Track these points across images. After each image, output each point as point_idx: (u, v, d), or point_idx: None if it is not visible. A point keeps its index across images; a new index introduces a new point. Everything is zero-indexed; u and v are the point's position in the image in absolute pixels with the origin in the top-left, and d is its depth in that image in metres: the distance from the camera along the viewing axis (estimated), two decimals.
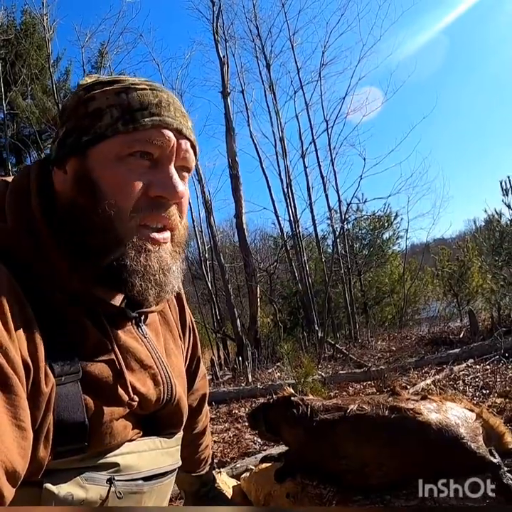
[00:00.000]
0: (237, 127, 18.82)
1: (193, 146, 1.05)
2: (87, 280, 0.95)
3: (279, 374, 9.87)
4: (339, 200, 17.83)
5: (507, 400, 4.70)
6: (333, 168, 17.99)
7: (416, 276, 19.19)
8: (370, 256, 19.57)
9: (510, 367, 6.82)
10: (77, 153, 0.98)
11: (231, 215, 17.41)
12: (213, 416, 6.69)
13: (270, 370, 10.53)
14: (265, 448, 4.48)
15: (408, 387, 6.18)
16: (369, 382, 7.60)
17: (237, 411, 6.91)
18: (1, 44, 18.09)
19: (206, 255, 19.62)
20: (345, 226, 18.28)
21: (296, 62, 18.53)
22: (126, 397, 0.97)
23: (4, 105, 17.85)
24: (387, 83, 26.79)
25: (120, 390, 0.97)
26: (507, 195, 12.22)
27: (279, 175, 18.06)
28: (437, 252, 18.04)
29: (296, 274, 17.50)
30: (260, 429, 1.90)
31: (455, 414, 1.59)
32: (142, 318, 1.11)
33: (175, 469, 1.20)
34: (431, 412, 1.58)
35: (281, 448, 1.94)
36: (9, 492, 0.71)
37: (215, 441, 5.26)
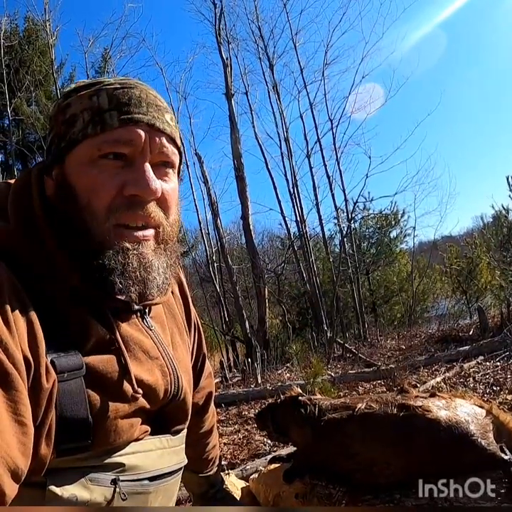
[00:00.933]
0: (242, 129, 18.79)
1: (172, 139, 1.04)
2: (88, 278, 0.95)
3: (288, 375, 9.86)
4: (345, 199, 17.83)
5: None
6: (339, 167, 18.00)
7: (424, 274, 19.12)
8: (378, 255, 19.52)
9: None
10: (58, 160, 1.00)
11: (238, 216, 17.45)
12: (223, 418, 6.69)
13: (279, 371, 10.51)
14: (275, 449, 4.47)
15: (418, 385, 6.16)
16: (379, 382, 7.57)
17: (246, 412, 6.90)
18: (4, 51, 18.15)
19: (214, 257, 19.68)
20: (352, 225, 18.26)
21: (299, 62, 18.54)
22: (130, 391, 0.97)
23: (9, 112, 17.95)
24: (390, 80, 26.81)
25: (124, 385, 0.97)
26: None
27: (285, 175, 18.09)
28: (445, 250, 17.97)
29: (304, 275, 17.49)
30: (268, 429, 1.89)
31: (465, 411, 1.57)
32: (147, 310, 1.12)
33: (181, 468, 1.20)
34: (440, 409, 1.57)
35: (291, 449, 1.92)
36: (11, 490, 0.71)
37: (224, 443, 5.26)
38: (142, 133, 0.96)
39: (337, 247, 19.82)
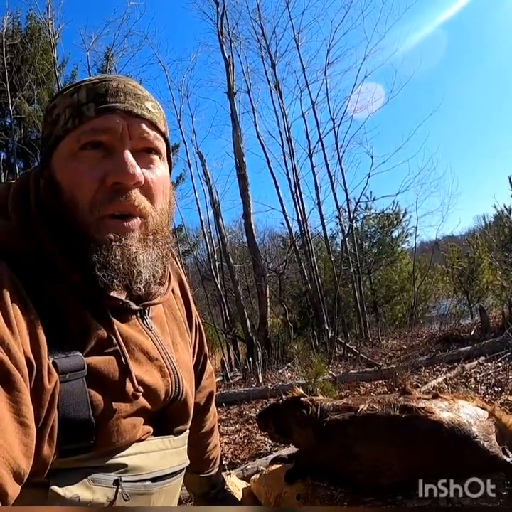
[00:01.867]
0: (244, 127, 18.84)
1: (154, 125, 1.03)
2: (86, 277, 0.94)
3: (289, 374, 9.87)
4: (347, 199, 17.87)
5: None
6: (341, 167, 18.04)
7: (426, 274, 19.12)
8: (380, 254, 19.53)
9: None
10: (46, 160, 1.01)
11: (239, 215, 17.48)
12: (224, 417, 6.69)
13: (281, 371, 10.52)
14: (276, 449, 4.47)
15: (419, 385, 6.15)
16: (380, 382, 7.57)
17: (247, 412, 6.90)
18: (6, 49, 18.18)
19: (215, 256, 19.73)
20: (354, 225, 18.28)
21: (301, 61, 18.59)
22: (131, 389, 0.97)
23: (11, 110, 17.98)
24: (393, 79, 26.77)
25: (126, 385, 0.97)
26: None
27: (287, 174, 18.12)
28: (447, 250, 17.96)
29: (306, 274, 17.50)
30: (269, 430, 1.88)
31: (467, 413, 1.57)
32: (147, 311, 1.11)
33: (183, 469, 1.20)
34: (442, 410, 1.56)
35: (292, 449, 1.92)
36: (13, 490, 0.71)
37: (225, 443, 5.26)
38: (119, 120, 0.96)
39: (339, 247, 19.82)
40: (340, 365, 10.17)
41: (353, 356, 11.06)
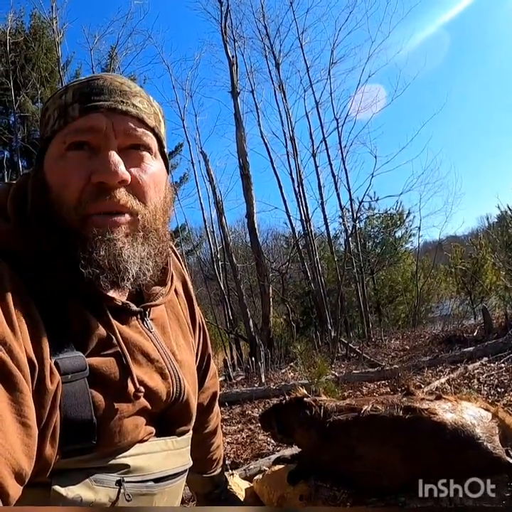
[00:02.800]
0: (248, 127, 18.87)
1: (142, 121, 1.01)
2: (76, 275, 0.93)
3: (292, 374, 9.85)
4: (351, 199, 17.85)
5: None
6: (345, 167, 18.02)
7: (429, 274, 19.09)
8: (383, 254, 19.51)
9: None
10: (40, 161, 1.01)
11: (243, 215, 17.43)
12: (226, 417, 6.68)
13: (283, 370, 10.51)
14: (279, 449, 4.46)
15: (422, 386, 6.14)
16: (383, 382, 7.55)
17: (250, 412, 6.89)
18: (10, 47, 18.21)
19: (218, 256, 19.71)
20: (357, 224, 18.24)
21: (305, 61, 18.55)
22: (132, 390, 0.96)
23: (14, 109, 18.01)
24: (397, 79, 26.74)
25: (127, 385, 0.96)
26: None
27: (290, 174, 18.09)
28: (450, 250, 17.93)
29: (309, 274, 17.50)
30: (272, 430, 1.88)
31: (471, 414, 1.57)
32: (147, 312, 1.10)
33: (186, 470, 1.20)
34: (446, 412, 1.56)
35: (295, 449, 1.92)
36: (15, 491, 0.71)
37: (228, 443, 5.25)
38: (102, 118, 0.95)
39: (342, 247, 19.84)
40: (342, 365, 10.15)
41: (355, 356, 11.05)
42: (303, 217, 17.66)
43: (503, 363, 7.09)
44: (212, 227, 20.46)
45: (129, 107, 0.99)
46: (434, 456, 1.50)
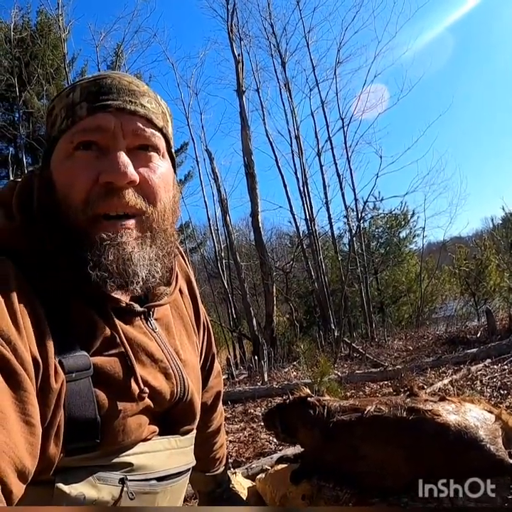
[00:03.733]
0: (253, 125, 18.86)
1: (150, 121, 1.00)
2: (82, 276, 0.93)
3: (295, 373, 9.87)
4: (355, 199, 17.83)
5: None
6: (350, 166, 18.01)
7: (433, 275, 19.06)
8: (387, 255, 19.49)
9: None
10: (46, 160, 1.01)
11: (247, 213, 17.47)
12: (229, 415, 6.69)
13: (286, 370, 10.52)
14: (281, 448, 4.47)
15: (425, 387, 6.14)
16: (386, 382, 7.56)
17: (252, 410, 6.90)
18: (15, 44, 18.24)
19: (222, 254, 19.72)
20: (362, 224, 18.23)
21: (311, 60, 18.56)
22: (137, 390, 0.96)
23: (19, 105, 18.05)
24: (403, 80, 26.69)
25: (131, 385, 0.96)
26: None
27: (295, 173, 18.11)
28: (454, 251, 17.90)
29: (313, 273, 17.49)
30: (276, 430, 1.88)
31: (474, 416, 1.56)
32: (151, 312, 1.10)
33: (189, 469, 1.19)
34: (450, 413, 1.56)
35: (297, 448, 1.92)
36: (18, 489, 0.71)
37: (230, 441, 5.26)
38: (110, 118, 0.94)
39: (346, 246, 19.80)
40: (345, 365, 10.16)
41: (358, 356, 11.05)
42: (307, 217, 17.67)
43: (507, 364, 7.09)
44: (217, 225, 20.52)
45: (138, 106, 0.98)
46: (437, 458, 1.50)
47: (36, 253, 0.92)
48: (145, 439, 1.02)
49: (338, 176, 18.10)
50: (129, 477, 0.95)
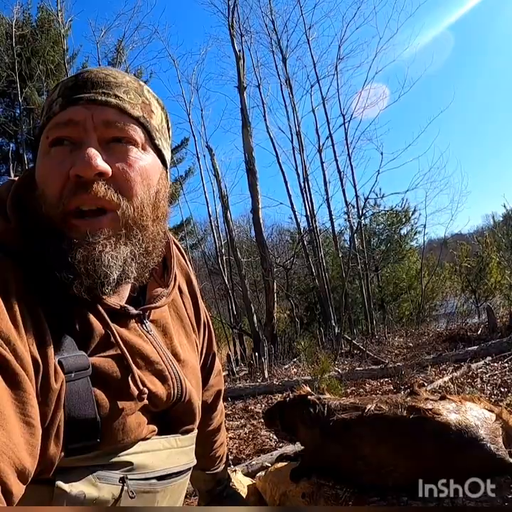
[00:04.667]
0: (254, 122, 18.81)
1: (125, 112, 0.97)
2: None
3: (295, 370, 9.85)
4: (356, 195, 17.79)
5: None
6: (350, 163, 17.95)
7: (434, 272, 19.04)
8: (388, 251, 19.47)
9: None
10: (35, 158, 1.00)
11: (247, 209, 17.47)
12: (229, 412, 6.69)
13: (287, 366, 10.50)
14: (281, 445, 4.46)
15: (425, 384, 6.13)
16: (386, 379, 7.55)
17: (253, 407, 6.90)
18: (16, 39, 18.23)
19: (223, 250, 19.71)
20: (363, 221, 18.20)
21: (312, 56, 18.47)
22: (136, 391, 0.96)
23: (20, 101, 18.05)
24: (404, 76, 26.63)
25: (130, 384, 0.96)
26: None
27: (296, 169, 18.07)
28: (455, 248, 17.89)
29: (313, 270, 17.48)
30: (276, 428, 1.88)
31: (475, 415, 1.56)
32: (147, 314, 1.08)
33: (189, 468, 1.19)
34: (450, 412, 1.56)
35: (297, 445, 1.92)
36: (18, 490, 0.71)
37: (230, 438, 5.26)
38: (80, 110, 0.92)
39: (347, 243, 19.78)
40: (346, 362, 10.14)
41: (359, 353, 11.03)
42: (308, 213, 17.65)
43: (507, 362, 7.09)
44: (217, 221, 20.50)
45: (110, 97, 0.95)
46: (437, 457, 1.50)
47: (33, 254, 0.91)
48: (144, 439, 1.02)
49: (339, 172, 18.06)
50: (129, 476, 0.95)
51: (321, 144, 18.16)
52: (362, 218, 17.86)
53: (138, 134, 0.98)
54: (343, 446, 1.61)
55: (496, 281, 15.59)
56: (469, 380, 6.43)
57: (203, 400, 1.35)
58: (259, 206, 16.60)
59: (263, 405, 6.84)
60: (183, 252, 1.37)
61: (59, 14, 18.27)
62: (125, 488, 0.93)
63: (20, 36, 18.85)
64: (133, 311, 1.04)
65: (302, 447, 1.84)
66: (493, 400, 4.92)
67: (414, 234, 20.15)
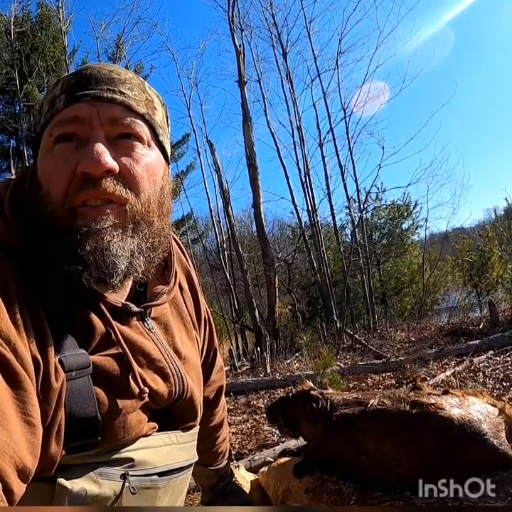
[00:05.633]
0: (254, 116, 18.78)
1: (131, 109, 0.97)
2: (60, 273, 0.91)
3: (297, 365, 9.86)
4: (358, 190, 17.81)
5: None
6: (352, 157, 17.95)
7: (435, 266, 19.05)
8: (389, 246, 19.47)
9: None
10: (35, 156, 1.00)
11: (249, 204, 17.46)
12: (231, 407, 6.69)
13: (289, 361, 10.51)
14: (283, 440, 4.46)
15: (427, 378, 6.13)
16: (388, 374, 7.55)
17: (255, 402, 6.90)
18: (15, 36, 18.23)
19: (224, 245, 19.72)
20: (364, 215, 18.18)
21: (313, 51, 18.46)
22: (137, 390, 0.96)
23: (20, 97, 18.06)
24: (405, 70, 26.57)
25: (131, 383, 0.96)
26: None
27: (297, 164, 18.09)
28: (457, 242, 17.89)
29: (315, 264, 17.50)
30: (279, 423, 1.88)
31: (478, 410, 1.56)
32: (148, 312, 1.08)
33: (191, 465, 1.19)
34: (453, 407, 1.56)
35: (300, 440, 1.92)
36: (19, 488, 0.71)
37: (233, 433, 5.26)
38: (86, 107, 0.92)
39: (348, 237, 19.80)
40: (348, 357, 10.15)
41: (361, 348, 11.04)
42: (309, 208, 17.65)
43: (509, 356, 7.07)
44: (219, 216, 20.50)
45: (116, 94, 0.95)
46: (440, 452, 1.50)
47: (33, 254, 0.90)
48: (145, 435, 1.02)
49: (340, 166, 18.05)
50: (130, 472, 0.95)
51: (322, 138, 18.15)
52: (363, 212, 17.86)
53: (144, 131, 0.99)
54: (346, 441, 1.61)
55: (498, 275, 15.60)
56: (471, 375, 6.42)
57: (205, 396, 1.36)
58: (261, 201, 16.59)
59: (265, 400, 6.84)
60: (183, 248, 1.37)
61: (59, 11, 18.27)
62: (126, 484, 0.94)
63: (19, 33, 18.85)
64: (135, 308, 1.04)
65: (305, 442, 1.84)
66: (495, 394, 4.91)
67: (416, 228, 20.18)
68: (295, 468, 1.72)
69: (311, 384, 1.85)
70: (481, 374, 6.37)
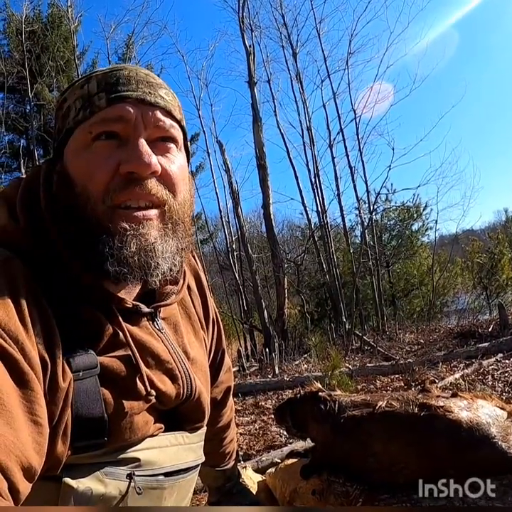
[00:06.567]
0: (264, 117, 18.78)
1: (169, 113, 0.99)
2: (99, 277, 0.93)
3: (306, 366, 9.86)
4: (367, 191, 17.77)
5: None
6: (362, 158, 17.90)
7: (445, 268, 18.99)
8: (399, 247, 19.44)
9: None
10: (59, 154, 1.00)
11: (258, 205, 17.45)
12: (239, 408, 6.70)
13: (297, 362, 10.52)
14: (291, 441, 4.46)
15: (436, 381, 6.11)
16: (397, 376, 7.54)
17: (263, 403, 6.91)
18: (26, 36, 18.32)
19: (234, 246, 19.75)
20: (374, 217, 18.16)
21: (322, 51, 18.48)
22: (143, 391, 0.96)
23: (31, 97, 18.15)
24: (415, 71, 26.47)
25: (138, 384, 0.96)
26: None
27: (307, 165, 18.10)
28: (467, 244, 17.83)
29: (324, 265, 17.49)
30: (287, 424, 1.88)
31: (486, 413, 1.55)
32: (158, 312, 1.09)
33: (197, 465, 1.19)
34: (462, 410, 1.55)
35: (307, 442, 1.91)
36: (24, 488, 0.71)
37: (240, 434, 5.27)
38: (131, 108, 0.93)
39: (358, 239, 19.78)
40: (356, 358, 10.14)
41: (369, 349, 11.03)
42: (319, 209, 17.65)
43: None
44: (228, 216, 20.52)
45: (157, 98, 0.97)
46: (448, 455, 1.49)
47: (45, 255, 0.91)
48: (152, 435, 1.02)
49: (350, 167, 18.01)
50: (136, 472, 0.95)
51: (331, 139, 18.16)
52: (373, 214, 17.85)
53: (179, 135, 1.03)
54: (354, 443, 1.61)
55: (508, 277, 15.55)
56: (480, 377, 6.41)
57: (213, 397, 1.36)
58: (270, 202, 16.60)
59: (273, 401, 6.86)
60: (192, 248, 1.37)
61: (69, 10, 18.36)
62: (132, 484, 0.94)
63: (30, 32, 18.95)
64: (145, 309, 1.04)
65: (313, 444, 1.83)
66: (504, 398, 4.90)
67: (426, 230, 20.14)
68: (302, 469, 1.71)
69: (319, 385, 1.85)
70: (490, 377, 6.35)
